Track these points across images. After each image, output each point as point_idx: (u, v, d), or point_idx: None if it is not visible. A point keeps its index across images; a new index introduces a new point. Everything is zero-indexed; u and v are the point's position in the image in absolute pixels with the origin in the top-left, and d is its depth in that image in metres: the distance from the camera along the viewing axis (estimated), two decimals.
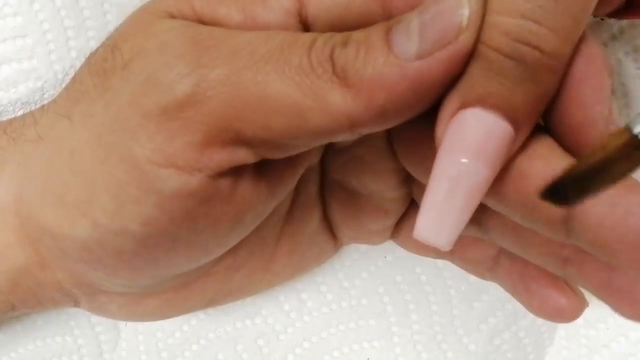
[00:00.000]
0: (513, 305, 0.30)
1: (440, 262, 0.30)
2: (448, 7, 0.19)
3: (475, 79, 0.19)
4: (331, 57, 0.19)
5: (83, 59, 0.28)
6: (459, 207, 0.20)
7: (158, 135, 0.20)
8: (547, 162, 0.20)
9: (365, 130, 0.20)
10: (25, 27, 0.28)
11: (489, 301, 0.30)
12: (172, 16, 0.22)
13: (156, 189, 0.21)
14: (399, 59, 0.19)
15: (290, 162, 0.23)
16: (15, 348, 0.30)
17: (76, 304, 0.26)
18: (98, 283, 0.24)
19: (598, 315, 0.30)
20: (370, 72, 0.19)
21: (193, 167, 0.20)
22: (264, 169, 0.22)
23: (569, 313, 0.24)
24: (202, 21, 0.22)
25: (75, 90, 0.23)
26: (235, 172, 0.21)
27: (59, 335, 0.30)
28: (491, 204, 0.21)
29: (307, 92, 0.19)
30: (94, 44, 0.28)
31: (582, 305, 0.24)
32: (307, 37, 0.20)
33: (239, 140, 0.20)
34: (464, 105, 0.19)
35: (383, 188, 0.26)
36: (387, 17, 0.21)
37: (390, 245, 0.30)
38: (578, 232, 0.20)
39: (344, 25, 0.21)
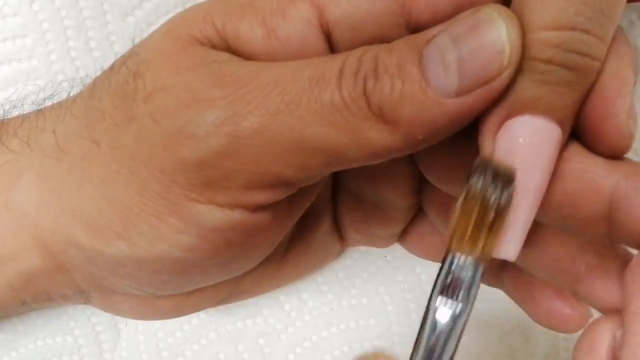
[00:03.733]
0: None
1: None
2: (487, 42, 0.18)
3: (522, 90, 0.19)
4: (364, 93, 0.19)
5: (82, 59, 0.28)
6: (522, 219, 0.19)
7: (196, 180, 0.20)
8: (580, 160, 0.20)
9: (399, 155, 0.20)
10: (25, 27, 0.28)
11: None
12: (196, 39, 0.22)
13: (197, 222, 0.21)
14: (437, 94, 0.18)
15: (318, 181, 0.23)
16: (16, 348, 0.30)
17: (87, 301, 0.26)
18: (118, 287, 0.24)
19: (598, 314, 0.30)
20: (409, 111, 0.19)
21: (233, 206, 0.21)
22: (295, 193, 0.22)
23: (573, 323, 0.24)
24: (225, 40, 0.21)
25: (93, 108, 0.23)
26: (274, 203, 0.21)
27: (59, 335, 0.30)
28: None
29: (343, 130, 0.19)
30: (93, 44, 0.28)
31: (586, 316, 0.24)
32: (333, 67, 0.20)
33: (278, 181, 0.20)
34: (512, 115, 0.19)
35: (394, 197, 0.26)
36: (407, 21, 0.20)
37: (391, 245, 0.30)
38: (620, 225, 0.19)
39: (365, 30, 0.21)
